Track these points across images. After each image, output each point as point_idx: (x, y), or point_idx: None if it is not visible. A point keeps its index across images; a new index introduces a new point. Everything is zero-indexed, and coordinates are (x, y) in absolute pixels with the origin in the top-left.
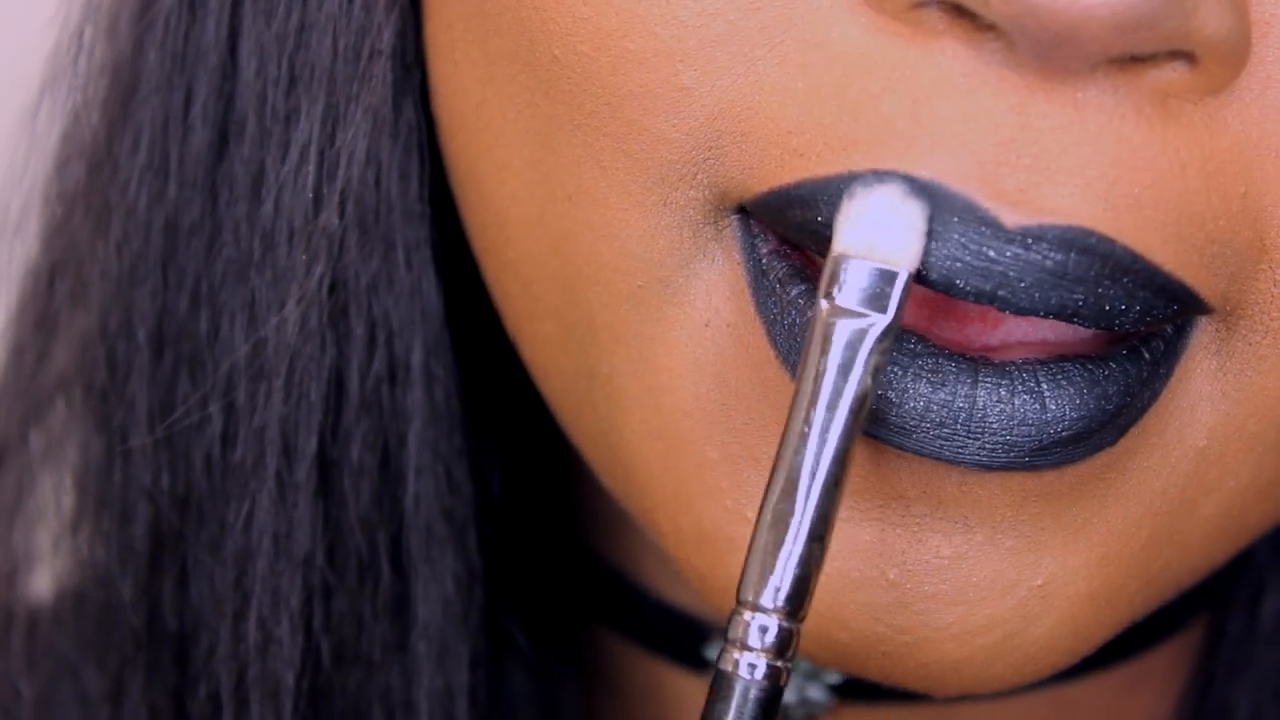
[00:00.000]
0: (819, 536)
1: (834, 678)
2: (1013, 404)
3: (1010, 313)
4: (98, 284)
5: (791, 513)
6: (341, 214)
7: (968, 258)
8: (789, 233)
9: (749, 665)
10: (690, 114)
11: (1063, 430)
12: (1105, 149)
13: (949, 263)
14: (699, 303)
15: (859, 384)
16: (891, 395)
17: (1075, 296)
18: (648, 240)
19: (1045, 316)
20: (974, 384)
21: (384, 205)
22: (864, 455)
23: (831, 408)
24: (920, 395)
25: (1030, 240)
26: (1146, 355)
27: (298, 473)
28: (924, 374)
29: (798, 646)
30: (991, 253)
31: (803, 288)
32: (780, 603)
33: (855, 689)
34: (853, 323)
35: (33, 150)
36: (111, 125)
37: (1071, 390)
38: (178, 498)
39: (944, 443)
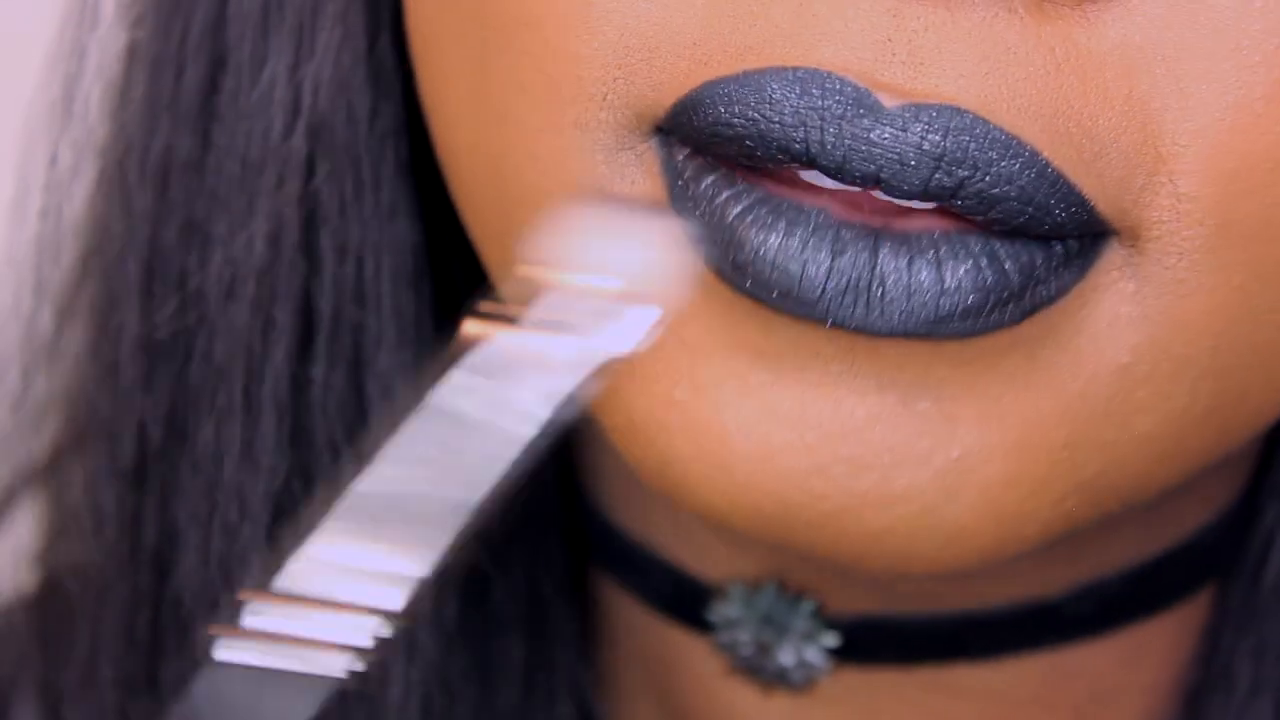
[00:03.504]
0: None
1: (831, 640)
2: (909, 272)
3: (898, 198)
4: (93, 222)
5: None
6: (310, 137)
7: (851, 141)
8: (700, 141)
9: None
10: (600, 31)
11: (958, 304)
12: (977, 45)
13: (837, 149)
14: None
15: None
16: (791, 266)
17: (957, 176)
18: (560, 162)
19: (929, 200)
20: (873, 252)
21: (354, 133)
22: (779, 323)
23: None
24: (820, 263)
25: (907, 119)
26: (1058, 248)
27: (265, 388)
28: (825, 243)
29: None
30: (874, 135)
31: (711, 179)
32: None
33: (853, 650)
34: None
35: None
36: (128, 70)
37: (970, 263)
38: (160, 418)
39: (846, 310)
